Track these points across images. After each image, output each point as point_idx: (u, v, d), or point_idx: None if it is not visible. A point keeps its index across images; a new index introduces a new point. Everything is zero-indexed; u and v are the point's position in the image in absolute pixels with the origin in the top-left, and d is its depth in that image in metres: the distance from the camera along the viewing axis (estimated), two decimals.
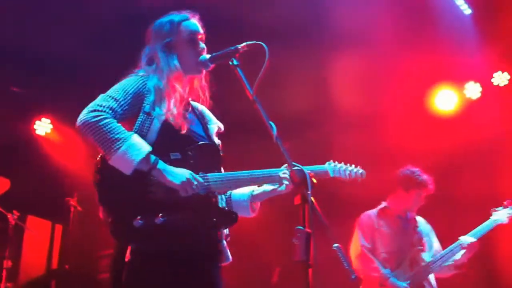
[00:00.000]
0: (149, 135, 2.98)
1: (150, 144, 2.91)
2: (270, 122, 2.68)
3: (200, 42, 3.22)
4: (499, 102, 7.41)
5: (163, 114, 3.01)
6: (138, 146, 2.85)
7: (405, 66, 7.05)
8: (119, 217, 2.86)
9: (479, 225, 5.11)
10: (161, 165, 2.89)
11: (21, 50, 6.48)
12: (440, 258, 5.10)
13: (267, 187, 3.23)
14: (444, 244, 5.26)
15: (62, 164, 8.09)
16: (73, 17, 6.19)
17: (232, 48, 2.97)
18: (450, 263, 5.09)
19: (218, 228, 3.10)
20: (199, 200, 2.96)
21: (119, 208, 2.87)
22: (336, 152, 3.34)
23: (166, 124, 3.01)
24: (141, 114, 3.02)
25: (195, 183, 2.93)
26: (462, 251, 5.00)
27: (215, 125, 3.38)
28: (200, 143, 3.12)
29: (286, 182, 3.09)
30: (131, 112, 3.01)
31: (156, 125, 3.00)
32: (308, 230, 2.38)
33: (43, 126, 8.09)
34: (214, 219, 3.00)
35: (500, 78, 7.49)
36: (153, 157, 2.88)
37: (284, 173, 3.08)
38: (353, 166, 3.36)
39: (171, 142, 3.02)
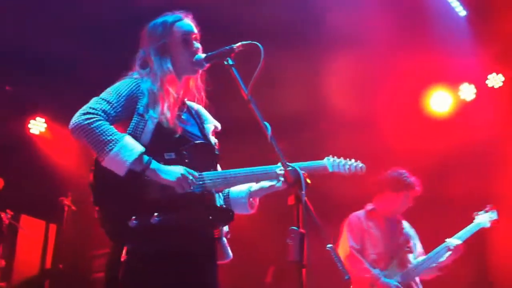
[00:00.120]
0: (143, 136, 2.98)
1: (144, 145, 2.91)
2: (265, 122, 2.68)
3: (195, 42, 3.22)
4: (494, 104, 7.42)
5: (156, 117, 3.01)
6: (131, 147, 2.85)
7: (400, 67, 7.06)
8: (114, 217, 2.85)
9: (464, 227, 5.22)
10: (155, 164, 2.89)
11: (16, 49, 6.47)
12: (428, 260, 5.16)
13: (265, 183, 3.22)
14: (437, 245, 5.28)
15: (56, 163, 8.08)
16: (68, 17, 6.18)
17: (227, 47, 2.97)
18: (435, 264, 5.14)
19: (214, 226, 3.10)
20: (195, 199, 2.96)
21: (114, 209, 2.87)
22: (330, 153, 3.32)
23: (160, 126, 3.01)
24: (135, 116, 3.02)
25: (190, 177, 2.93)
26: (448, 253, 5.07)
27: (212, 124, 3.37)
28: (195, 142, 3.11)
29: (283, 179, 3.07)
30: (125, 114, 3.01)
31: (150, 126, 3.00)
32: (302, 230, 2.38)
33: (37, 125, 8.08)
34: (210, 217, 2.99)
35: (494, 80, 7.51)
36: (146, 158, 2.87)
37: (281, 170, 3.04)
38: (352, 160, 3.34)
39: (165, 143, 3.02)
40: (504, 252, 6.91)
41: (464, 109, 7.70)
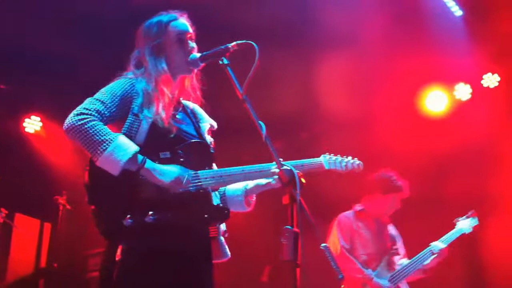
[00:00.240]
0: (138, 136, 2.98)
1: (139, 145, 2.91)
2: (260, 122, 2.67)
3: (190, 41, 3.22)
4: (489, 103, 7.43)
5: (151, 117, 3.00)
6: (125, 147, 2.85)
7: (395, 67, 7.06)
8: (109, 216, 2.85)
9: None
10: (150, 164, 2.89)
11: (11, 48, 6.44)
12: (413, 263, 5.23)
13: (261, 180, 3.22)
14: None
15: (52, 162, 8.05)
16: (63, 16, 6.16)
17: (222, 47, 2.96)
18: (420, 267, 5.22)
19: (210, 225, 3.10)
20: (190, 198, 2.96)
21: (108, 208, 2.86)
22: (326, 152, 3.32)
23: (154, 125, 3.01)
24: (129, 116, 3.02)
25: (185, 178, 2.92)
26: (433, 256, 5.17)
27: (207, 123, 3.36)
28: (190, 141, 3.11)
29: (277, 177, 3.07)
30: (119, 115, 3.01)
31: (145, 126, 2.99)
32: (296, 229, 2.37)
33: (32, 124, 8.04)
34: (206, 216, 2.99)
35: (490, 80, 7.52)
36: (140, 157, 2.87)
37: (276, 168, 3.06)
38: (349, 157, 3.33)
39: (160, 142, 3.01)
40: (499, 251, 6.91)
41: (459, 109, 7.70)
